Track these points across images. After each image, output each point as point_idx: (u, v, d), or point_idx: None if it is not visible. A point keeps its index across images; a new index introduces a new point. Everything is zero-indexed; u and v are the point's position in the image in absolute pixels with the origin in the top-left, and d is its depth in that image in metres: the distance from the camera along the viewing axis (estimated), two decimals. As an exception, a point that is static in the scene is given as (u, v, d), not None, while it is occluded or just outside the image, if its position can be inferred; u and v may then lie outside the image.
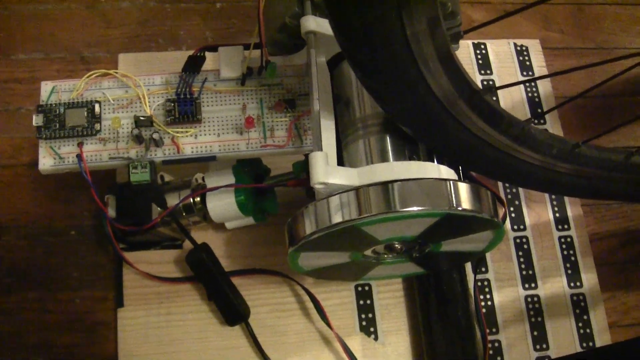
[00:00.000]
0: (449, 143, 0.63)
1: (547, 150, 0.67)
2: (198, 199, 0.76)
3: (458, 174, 0.70)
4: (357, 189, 0.58)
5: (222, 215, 0.76)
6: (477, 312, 0.82)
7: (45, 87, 0.72)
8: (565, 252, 0.90)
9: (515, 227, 0.90)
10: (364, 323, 0.83)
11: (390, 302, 0.85)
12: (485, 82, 0.99)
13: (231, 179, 0.73)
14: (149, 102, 0.71)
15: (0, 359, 0.80)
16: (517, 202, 0.92)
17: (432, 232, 0.63)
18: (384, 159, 0.65)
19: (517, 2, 1.09)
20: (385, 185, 0.58)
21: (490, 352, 0.83)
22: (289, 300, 0.83)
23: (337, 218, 0.58)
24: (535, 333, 0.85)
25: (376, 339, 0.83)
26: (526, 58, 1.02)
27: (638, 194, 0.79)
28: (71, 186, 0.87)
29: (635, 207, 0.95)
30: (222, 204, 0.74)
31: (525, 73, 1.00)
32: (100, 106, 0.71)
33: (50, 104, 0.71)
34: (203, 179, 0.76)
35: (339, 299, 0.84)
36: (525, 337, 0.85)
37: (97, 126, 0.70)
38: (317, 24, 0.66)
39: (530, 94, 0.99)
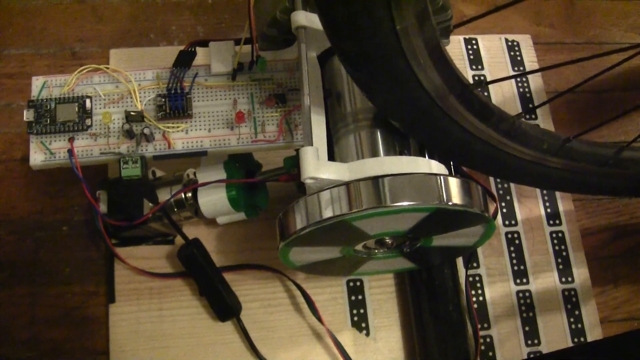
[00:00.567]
0: (439, 138, 0.63)
1: (538, 145, 0.68)
2: (189, 194, 0.76)
3: (450, 169, 0.70)
4: (347, 184, 0.58)
5: (213, 211, 0.76)
6: (468, 308, 0.82)
7: (36, 82, 0.71)
8: (556, 247, 0.90)
9: (507, 222, 0.91)
10: (355, 318, 0.83)
11: (382, 297, 0.85)
12: (476, 77, 0.99)
13: (222, 174, 0.73)
14: (140, 97, 0.71)
15: (-10, 354, 0.80)
16: (508, 198, 0.92)
17: (422, 226, 0.63)
18: (374, 153, 0.65)
19: (509, -4, 1.09)
20: (376, 180, 0.58)
21: (482, 347, 0.84)
22: (281, 295, 0.83)
23: (327, 213, 0.58)
24: (527, 328, 0.85)
25: (368, 334, 0.83)
26: (517, 53, 1.02)
27: (628, 188, 0.79)
28: (63, 181, 0.87)
29: (626, 201, 0.95)
30: (214, 199, 0.74)
31: (516, 68, 1.01)
32: (91, 101, 0.70)
33: (41, 99, 0.70)
34: (194, 174, 0.75)
35: (330, 294, 0.84)
36: (517, 332, 0.85)
37: (88, 121, 0.69)
38: (307, 18, 0.66)
39: (521, 89, 0.99)
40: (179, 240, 0.82)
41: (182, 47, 0.72)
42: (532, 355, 0.84)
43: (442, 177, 0.60)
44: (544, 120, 0.98)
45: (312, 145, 0.60)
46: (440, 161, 0.66)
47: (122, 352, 0.80)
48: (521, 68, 1.01)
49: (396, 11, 0.47)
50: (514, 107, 0.98)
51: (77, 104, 0.70)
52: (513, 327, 0.85)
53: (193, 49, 0.73)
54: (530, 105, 0.98)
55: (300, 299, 0.82)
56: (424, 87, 0.55)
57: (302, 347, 0.82)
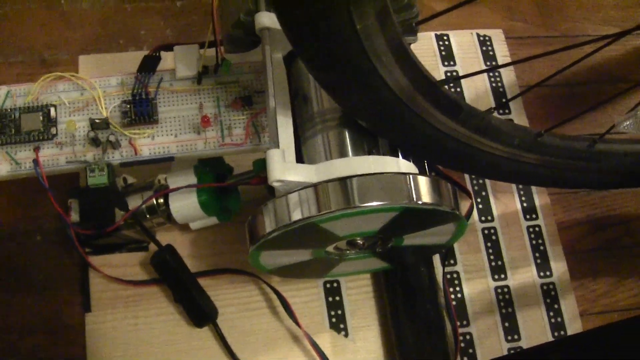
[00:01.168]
0: (407, 136, 0.63)
1: (510, 141, 0.67)
2: (161, 200, 0.75)
3: (423, 167, 0.69)
4: (315, 186, 0.58)
5: (185, 216, 0.75)
6: (447, 305, 0.82)
7: (0, 91, 0.70)
8: (534, 242, 0.90)
9: (483, 218, 0.90)
10: (333, 320, 0.83)
11: (360, 297, 0.84)
12: (449, 73, 0.99)
13: (193, 179, 0.73)
14: (105, 104, 0.70)
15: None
16: (484, 193, 0.91)
17: (392, 226, 0.63)
18: (342, 154, 0.65)
19: (481, -8, 1.09)
20: (344, 181, 0.57)
21: (462, 345, 0.83)
22: (257, 299, 0.83)
23: (296, 215, 0.58)
24: (507, 324, 0.85)
25: (346, 335, 0.82)
26: (489, 48, 1.01)
27: (603, 181, 0.79)
28: (34, 190, 0.86)
29: (601, 194, 0.95)
30: (185, 205, 0.74)
31: (488, 63, 1.00)
32: (56, 110, 0.70)
33: (5, 109, 0.69)
34: (165, 179, 0.75)
35: (307, 297, 0.84)
36: (496, 328, 0.85)
37: (53, 130, 0.69)
38: (271, 20, 0.65)
39: (494, 84, 0.99)
40: (153, 247, 0.82)
41: (152, 52, 0.72)
42: (512, 351, 0.84)
43: (410, 175, 0.59)
44: (517, 115, 0.97)
45: (278, 147, 0.60)
46: (414, 160, 0.66)
47: (99, 361, 0.79)
48: (493, 63, 1.00)
49: (355, 11, 0.46)
50: (487, 103, 0.97)
51: (41, 112, 0.69)
52: (492, 323, 0.85)
53: (158, 54, 0.72)
54: (504, 100, 0.98)
55: (277, 302, 0.81)
56: (389, 86, 0.55)
57: (280, 350, 0.81)
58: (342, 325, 0.83)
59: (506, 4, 1.08)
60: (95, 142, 0.68)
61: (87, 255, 0.80)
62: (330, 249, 0.69)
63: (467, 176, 0.92)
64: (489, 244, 0.89)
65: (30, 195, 0.86)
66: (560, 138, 0.71)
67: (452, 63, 1.00)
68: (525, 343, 0.84)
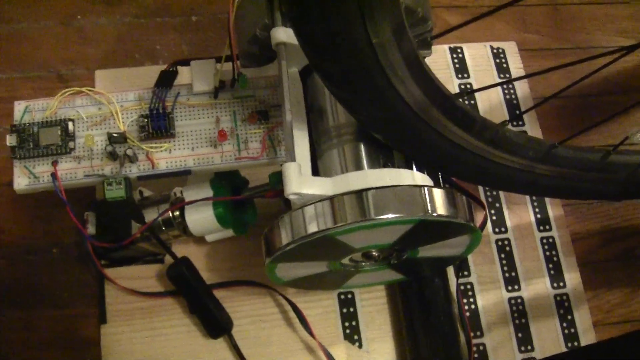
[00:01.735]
0: (423, 149, 0.63)
1: (524, 153, 0.67)
2: (177, 212, 0.76)
3: (438, 179, 0.70)
4: (331, 198, 0.58)
5: (201, 229, 0.76)
6: (460, 316, 0.82)
7: (19, 106, 0.71)
8: (547, 253, 0.90)
9: (497, 229, 0.90)
10: (348, 331, 0.83)
11: (374, 309, 0.85)
12: (462, 86, 0.99)
13: (209, 192, 0.73)
14: (122, 118, 0.71)
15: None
16: (497, 205, 0.92)
17: (408, 238, 0.63)
18: (358, 167, 0.65)
19: (493, 4, 1.09)
20: (360, 194, 0.58)
21: (475, 355, 0.83)
22: (272, 310, 0.83)
23: (312, 228, 0.58)
24: (520, 335, 0.85)
25: (360, 346, 0.83)
26: (503, 60, 1.02)
27: (617, 192, 0.79)
28: (52, 204, 0.87)
29: (615, 205, 0.95)
30: (201, 217, 0.74)
31: (502, 75, 1.01)
32: (74, 124, 0.71)
33: (24, 124, 0.70)
34: (182, 192, 0.75)
35: (321, 308, 0.84)
36: (510, 339, 0.85)
37: (71, 144, 0.70)
38: (287, 35, 0.66)
39: (508, 97, 0.99)
40: (169, 258, 0.82)
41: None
42: (526, 362, 0.84)
43: (426, 188, 0.59)
44: (531, 127, 0.98)
45: (294, 161, 0.60)
46: (429, 173, 0.66)
47: (115, 374, 0.79)
48: (507, 75, 1.01)
49: (371, 27, 0.47)
50: (501, 115, 0.98)
51: (59, 127, 0.70)
52: (506, 334, 0.85)
53: (174, 69, 0.73)
54: (518, 112, 0.98)
55: (292, 314, 0.81)
56: (405, 100, 0.55)
57: (295, 361, 0.81)
58: (356, 337, 0.83)
59: (519, 16, 1.09)
60: (112, 155, 0.69)
61: (104, 267, 0.80)
62: (345, 261, 0.69)
63: (480, 188, 0.92)
64: (502, 255, 0.89)
65: (47, 209, 0.87)
66: (574, 149, 0.71)
67: (466, 75, 1.00)
68: (538, 354, 0.84)
